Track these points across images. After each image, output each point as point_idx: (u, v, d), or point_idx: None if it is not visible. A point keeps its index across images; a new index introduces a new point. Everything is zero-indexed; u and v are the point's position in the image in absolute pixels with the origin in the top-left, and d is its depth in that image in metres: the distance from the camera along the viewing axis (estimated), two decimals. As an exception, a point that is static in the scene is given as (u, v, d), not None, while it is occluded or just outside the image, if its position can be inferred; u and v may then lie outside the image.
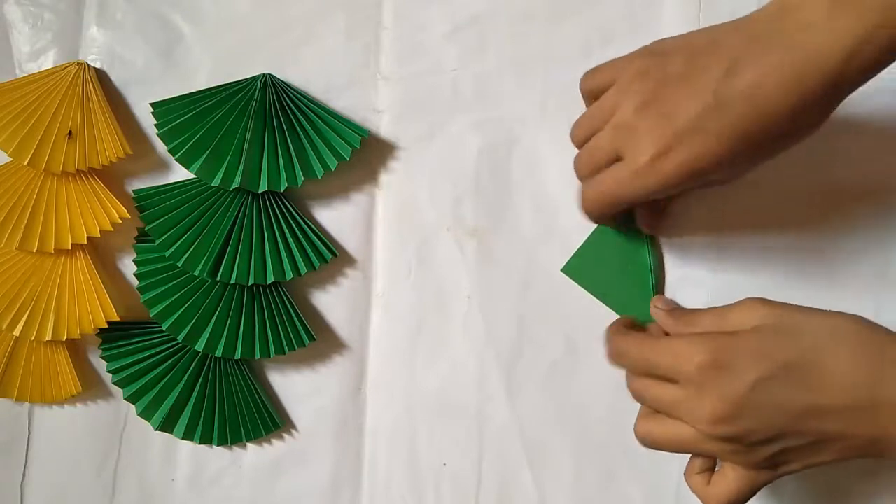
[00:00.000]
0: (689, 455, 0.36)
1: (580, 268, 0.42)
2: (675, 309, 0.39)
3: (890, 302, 0.40)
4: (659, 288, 0.41)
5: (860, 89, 0.30)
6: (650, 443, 0.35)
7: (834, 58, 0.28)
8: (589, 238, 0.42)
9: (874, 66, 0.29)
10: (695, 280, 0.41)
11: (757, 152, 0.31)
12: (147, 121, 0.46)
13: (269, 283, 0.43)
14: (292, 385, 0.46)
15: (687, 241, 0.42)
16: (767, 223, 0.41)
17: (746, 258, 0.41)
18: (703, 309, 0.37)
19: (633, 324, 0.40)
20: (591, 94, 0.36)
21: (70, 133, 0.39)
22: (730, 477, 0.33)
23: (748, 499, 0.33)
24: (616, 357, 0.37)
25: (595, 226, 0.42)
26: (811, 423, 0.31)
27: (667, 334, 0.38)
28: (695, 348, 0.32)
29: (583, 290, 0.43)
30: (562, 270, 0.43)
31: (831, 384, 0.30)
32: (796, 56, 0.29)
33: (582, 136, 0.36)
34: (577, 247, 0.43)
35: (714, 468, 0.35)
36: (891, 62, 0.29)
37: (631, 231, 0.41)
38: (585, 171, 0.36)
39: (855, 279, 0.40)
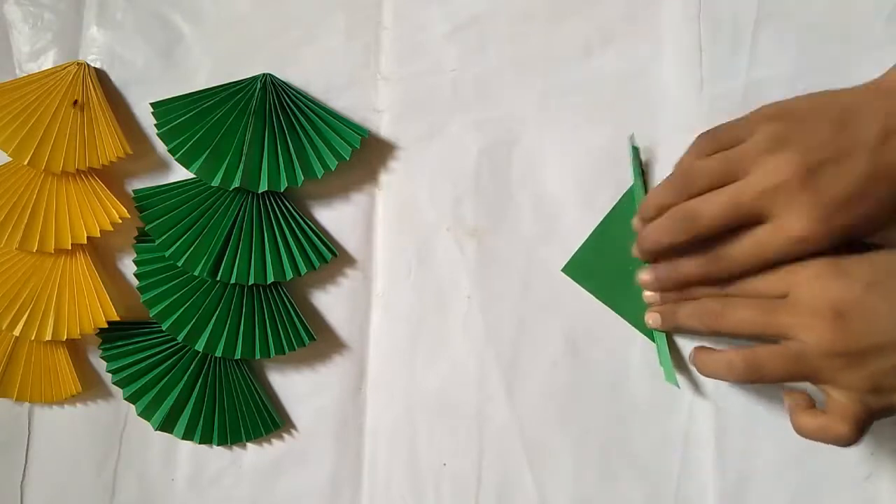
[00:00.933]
0: (788, 407, 0.35)
1: (580, 268, 0.42)
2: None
3: None
4: None
5: None
6: (760, 368, 0.34)
7: None
8: (589, 238, 0.42)
9: None
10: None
11: None
12: (147, 121, 0.46)
13: (269, 283, 0.43)
14: (292, 385, 0.46)
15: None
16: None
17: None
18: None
19: None
20: (708, 152, 0.37)
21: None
22: (840, 403, 0.33)
23: (865, 424, 0.33)
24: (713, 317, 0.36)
25: (595, 226, 0.42)
26: None
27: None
28: (809, 264, 0.33)
29: (583, 289, 0.43)
30: (562, 270, 0.43)
31: None
32: None
33: (712, 179, 0.35)
34: (577, 247, 0.43)
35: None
36: None
37: (629, 231, 0.41)
38: (717, 224, 0.35)
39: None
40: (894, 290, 0.32)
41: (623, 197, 0.42)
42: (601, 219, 0.43)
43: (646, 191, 0.42)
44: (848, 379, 0.32)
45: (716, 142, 0.36)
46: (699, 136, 0.38)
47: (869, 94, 0.34)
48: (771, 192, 0.33)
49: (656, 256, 0.38)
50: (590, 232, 0.42)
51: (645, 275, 0.39)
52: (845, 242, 0.33)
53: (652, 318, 0.40)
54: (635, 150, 0.42)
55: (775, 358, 0.33)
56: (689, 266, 0.37)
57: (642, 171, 0.42)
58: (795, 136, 0.33)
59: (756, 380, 0.34)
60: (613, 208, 0.42)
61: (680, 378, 0.41)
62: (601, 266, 0.42)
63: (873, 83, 0.34)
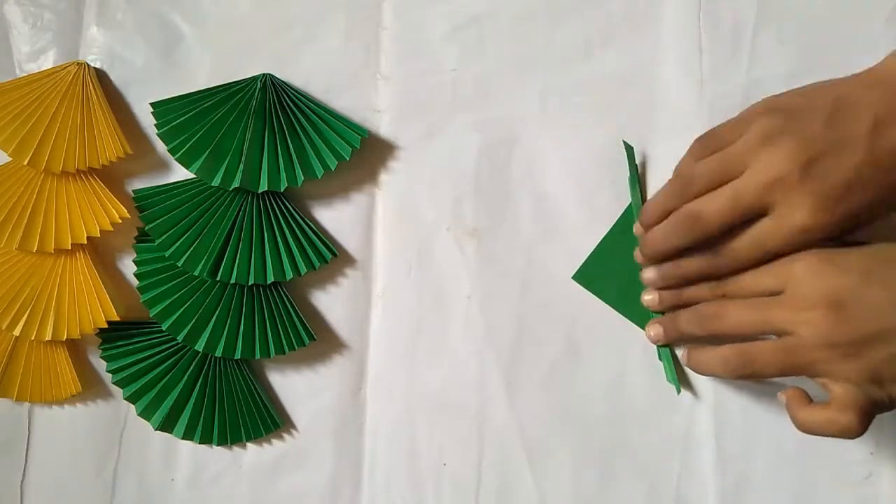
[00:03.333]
0: (786, 399, 0.35)
1: (590, 275, 0.42)
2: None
3: None
4: None
5: None
6: (752, 364, 0.34)
7: None
8: (598, 246, 0.42)
9: None
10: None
11: None
12: (147, 121, 0.46)
13: (269, 283, 0.43)
14: (292, 385, 0.46)
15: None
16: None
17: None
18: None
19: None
20: (705, 154, 0.37)
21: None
22: (843, 394, 0.33)
23: (869, 414, 0.32)
24: (714, 286, 0.37)
25: (594, 226, 0.42)
26: None
27: None
28: (802, 257, 0.33)
29: (583, 289, 0.43)
30: (573, 278, 0.43)
31: None
32: None
33: (710, 180, 0.36)
34: (577, 247, 0.43)
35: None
36: None
37: (634, 238, 0.41)
38: (721, 223, 0.35)
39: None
40: (889, 278, 0.32)
41: (629, 206, 0.42)
42: (601, 219, 0.43)
43: (643, 195, 0.42)
44: (847, 370, 0.32)
45: (712, 143, 0.36)
46: (696, 139, 0.38)
47: (861, 84, 0.33)
48: (770, 186, 0.33)
49: (660, 259, 0.38)
50: (589, 230, 0.42)
51: (649, 273, 0.39)
52: (847, 231, 0.34)
53: (654, 331, 0.40)
54: (630, 155, 0.42)
55: (771, 352, 0.34)
56: (693, 262, 0.37)
57: (638, 177, 0.42)
58: (790, 129, 0.33)
59: (752, 374, 0.34)
60: (620, 217, 0.42)
61: (680, 382, 0.41)
62: (610, 273, 0.42)
63: (866, 72, 0.34)
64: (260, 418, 0.45)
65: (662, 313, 0.41)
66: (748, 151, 0.34)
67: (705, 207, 0.35)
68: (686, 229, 0.36)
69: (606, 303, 0.42)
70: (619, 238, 0.42)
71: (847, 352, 0.32)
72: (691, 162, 0.37)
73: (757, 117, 0.35)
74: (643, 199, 0.42)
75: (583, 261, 0.43)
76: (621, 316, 0.42)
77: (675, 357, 0.41)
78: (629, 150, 0.42)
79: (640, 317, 0.42)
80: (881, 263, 0.32)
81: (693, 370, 0.38)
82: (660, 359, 0.41)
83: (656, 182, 0.42)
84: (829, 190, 0.32)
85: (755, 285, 0.35)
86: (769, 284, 0.35)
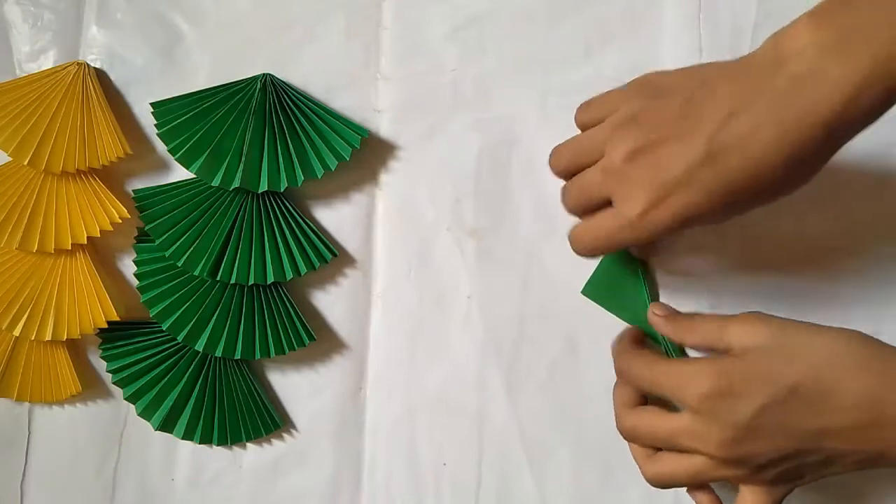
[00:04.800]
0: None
1: (598, 290, 0.42)
2: (673, 314, 0.39)
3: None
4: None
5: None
6: (665, 481, 0.35)
7: (830, 109, 0.28)
8: (602, 261, 0.42)
9: (869, 115, 0.28)
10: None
11: (748, 203, 0.31)
12: (147, 121, 0.46)
13: (268, 283, 0.43)
14: (292, 385, 0.46)
15: (682, 280, 0.42)
16: (761, 263, 0.41)
17: (739, 295, 0.41)
18: (702, 314, 0.38)
19: (641, 338, 0.40)
20: (584, 127, 0.37)
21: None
22: (748, 498, 0.33)
23: None
24: (620, 374, 0.38)
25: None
26: (819, 443, 0.31)
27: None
28: (702, 373, 0.32)
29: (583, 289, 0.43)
30: (581, 293, 0.43)
31: (836, 406, 0.31)
32: (791, 107, 0.28)
33: (563, 167, 0.37)
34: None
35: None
36: (885, 111, 0.28)
37: (627, 262, 0.42)
38: (575, 209, 0.36)
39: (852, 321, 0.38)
40: (788, 407, 0.31)
41: None
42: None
43: None
44: (749, 480, 0.33)
45: (590, 111, 0.37)
46: (578, 107, 0.38)
47: (730, 72, 0.31)
48: (610, 174, 0.33)
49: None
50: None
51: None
52: (682, 228, 0.32)
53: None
54: None
55: (680, 467, 0.34)
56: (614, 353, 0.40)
57: None
58: (643, 115, 0.33)
59: (666, 486, 0.36)
60: None
61: None
62: (615, 288, 0.42)
63: (739, 62, 0.31)
64: (260, 418, 0.45)
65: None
66: (602, 139, 0.34)
67: (567, 194, 0.36)
68: (568, 204, 0.37)
69: (617, 315, 0.42)
70: (620, 253, 0.42)
71: (748, 473, 0.32)
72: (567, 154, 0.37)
73: (624, 98, 0.34)
74: None
75: (583, 260, 0.42)
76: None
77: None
78: None
79: (648, 325, 0.42)
80: (778, 389, 0.31)
81: None
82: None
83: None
84: (658, 185, 0.31)
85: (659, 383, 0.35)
86: (673, 387, 0.34)
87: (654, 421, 0.34)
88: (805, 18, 0.29)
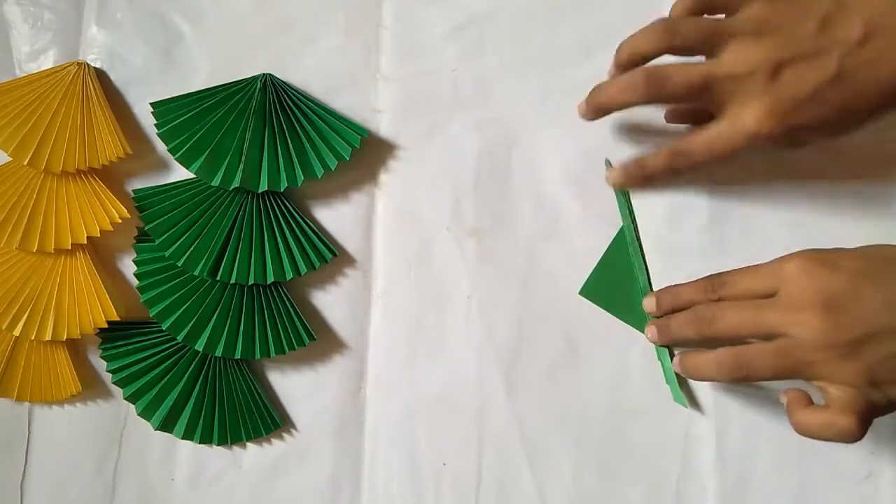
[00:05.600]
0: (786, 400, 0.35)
1: (596, 290, 0.42)
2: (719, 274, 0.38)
3: None
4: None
5: None
6: (748, 368, 0.34)
7: None
8: (599, 262, 0.42)
9: None
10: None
11: (865, 120, 0.33)
12: (147, 121, 0.46)
13: (269, 283, 0.43)
14: (292, 385, 0.46)
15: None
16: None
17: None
18: (747, 269, 0.37)
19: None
20: (698, 9, 0.36)
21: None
22: (841, 397, 0.32)
23: (868, 417, 0.32)
24: (705, 324, 0.36)
25: (596, 226, 0.43)
26: None
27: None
28: (794, 258, 0.33)
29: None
30: (580, 293, 0.43)
31: None
32: None
33: (679, 47, 0.35)
34: (577, 247, 0.43)
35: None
36: None
37: (624, 263, 0.42)
38: (692, 94, 0.35)
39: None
40: (882, 277, 0.32)
41: (620, 228, 0.43)
42: (601, 219, 0.43)
43: (631, 214, 0.42)
44: (843, 372, 0.32)
45: (708, 1, 0.36)
46: None
47: None
48: (736, 79, 0.33)
49: (606, 111, 0.38)
50: (589, 230, 0.43)
51: (648, 302, 0.41)
52: (793, 144, 0.34)
53: (650, 332, 0.40)
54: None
55: (765, 354, 0.33)
56: (689, 292, 0.38)
57: (627, 198, 0.42)
58: (780, 24, 0.33)
59: (746, 377, 0.34)
60: (615, 237, 0.43)
61: (683, 392, 0.41)
62: (614, 286, 0.42)
63: None
64: (260, 418, 0.45)
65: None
66: (735, 32, 0.34)
67: (674, 75, 0.35)
68: (648, 88, 0.35)
69: (613, 315, 0.42)
70: (617, 255, 0.42)
71: (842, 353, 0.32)
72: (681, 12, 0.37)
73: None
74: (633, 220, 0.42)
75: (583, 260, 0.43)
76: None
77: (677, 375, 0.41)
78: (609, 165, 0.42)
79: (642, 325, 0.42)
80: (873, 263, 0.32)
81: (686, 375, 0.38)
82: (664, 373, 0.42)
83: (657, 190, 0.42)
84: (788, 99, 0.33)
85: (748, 288, 0.35)
86: (762, 287, 0.35)
87: (759, 308, 0.34)
88: None
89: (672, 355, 0.41)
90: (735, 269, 0.37)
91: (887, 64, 0.31)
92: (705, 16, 0.37)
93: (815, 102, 0.32)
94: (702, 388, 0.42)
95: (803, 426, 0.34)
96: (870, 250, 0.33)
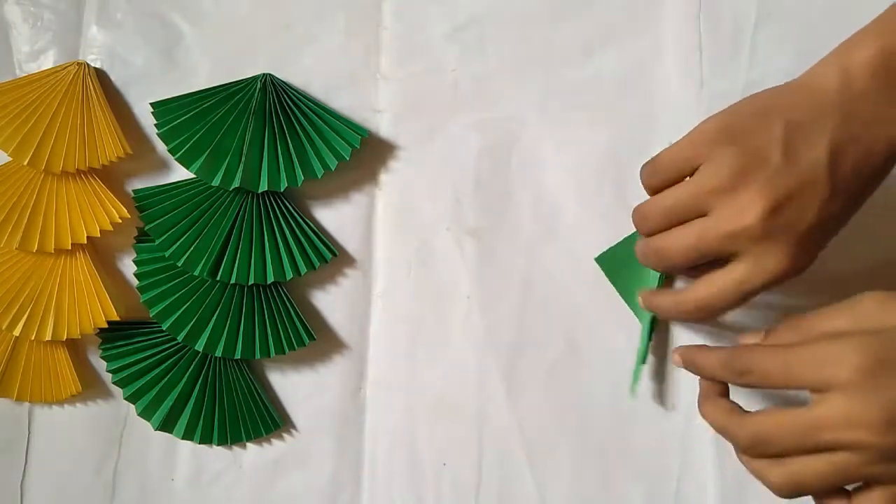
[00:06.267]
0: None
1: (611, 262, 0.42)
2: (789, 317, 0.34)
3: None
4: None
5: None
6: (801, 486, 0.30)
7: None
8: (628, 237, 0.41)
9: None
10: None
11: (876, 186, 0.33)
12: (147, 121, 0.46)
13: (268, 283, 0.43)
14: (292, 385, 0.46)
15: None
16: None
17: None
18: (819, 312, 0.33)
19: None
20: (655, 191, 0.35)
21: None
22: (883, 497, 0.29)
23: None
24: (744, 373, 0.32)
25: (592, 224, 0.42)
26: None
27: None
28: (852, 345, 0.28)
29: (583, 289, 0.43)
30: (595, 259, 0.42)
31: None
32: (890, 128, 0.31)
33: (655, 228, 0.34)
34: (577, 247, 0.43)
35: None
36: None
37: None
38: (691, 261, 0.34)
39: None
40: None
41: None
42: (601, 219, 0.43)
43: None
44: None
45: (660, 173, 0.35)
46: (642, 167, 0.36)
47: (807, 104, 0.32)
48: (738, 235, 0.32)
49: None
50: (589, 230, 0.43)
51: (675, 356, 0.37)
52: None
53: (675, 359, 0.37)
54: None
55: (824, 467, 0.29)
56: (710, 360, 0.35)
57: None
58: (750, 167, 0.31)
59: (802, 493, 0.30)
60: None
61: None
62: (628, 265, 0.42)
63: (803, 85, 0.32)
64: (260, 418, 0.45)
65: None
66: (710, 193, 0.32)
67: (670, 246, 0.34)
68: (652, 262, 0.35)
69: (618, 291, 0.42)
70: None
71: None
72: (651, 194, 0.35)
73: (712, 148, 0.32)
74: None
75: (583, 260, 0.43)
76: (621, 316, 0.42)
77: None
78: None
79: (643, 314, 0.42)
80: None
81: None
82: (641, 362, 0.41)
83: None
84: (801, 235, 0.31)
85: (797, 372, 0.30)
86: (812, 376, 0.29)
87: (784, 418, 0.29)
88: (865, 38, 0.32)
89: (652, 331, 0.40)
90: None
91: (869, 173, 0.32)
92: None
93: (826, 224, 0.32)
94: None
95: None
96: None
